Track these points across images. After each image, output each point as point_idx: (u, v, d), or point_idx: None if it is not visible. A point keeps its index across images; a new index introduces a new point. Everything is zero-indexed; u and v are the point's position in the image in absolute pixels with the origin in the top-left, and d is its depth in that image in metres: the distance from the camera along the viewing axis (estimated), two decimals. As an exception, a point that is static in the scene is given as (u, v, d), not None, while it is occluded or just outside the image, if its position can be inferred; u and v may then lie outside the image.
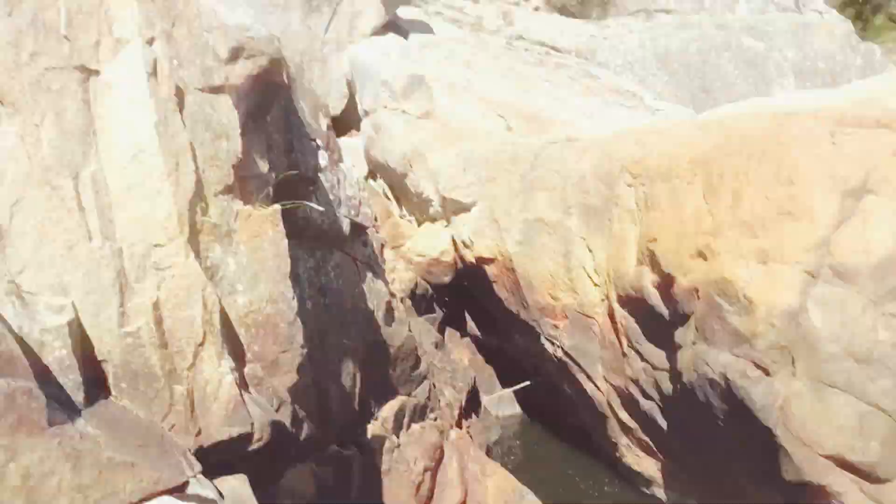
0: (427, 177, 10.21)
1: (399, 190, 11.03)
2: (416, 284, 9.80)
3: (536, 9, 16.72)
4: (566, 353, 8.75)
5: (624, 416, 8.36)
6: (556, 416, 9.91)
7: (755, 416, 6.21)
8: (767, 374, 6.21)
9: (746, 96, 13.27)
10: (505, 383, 10.52)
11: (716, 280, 6.54)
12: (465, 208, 9.85)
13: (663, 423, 7.77)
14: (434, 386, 7.91)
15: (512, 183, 9.36)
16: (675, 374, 7.18)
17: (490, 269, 9.53)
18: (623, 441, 8.63)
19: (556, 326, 8.84)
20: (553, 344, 8.94)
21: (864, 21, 32.31)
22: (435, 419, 7.60)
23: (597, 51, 14.93)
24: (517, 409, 10.53)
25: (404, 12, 14.03)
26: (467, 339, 10.77)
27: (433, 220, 10.44)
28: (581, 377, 8.70)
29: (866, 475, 5.93)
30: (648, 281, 7.39)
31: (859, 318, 5.94)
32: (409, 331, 7.45)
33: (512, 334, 9.97)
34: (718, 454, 7.11)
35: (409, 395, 7.30)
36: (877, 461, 5.87)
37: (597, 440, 9.19)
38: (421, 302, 9.80)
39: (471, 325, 10.95)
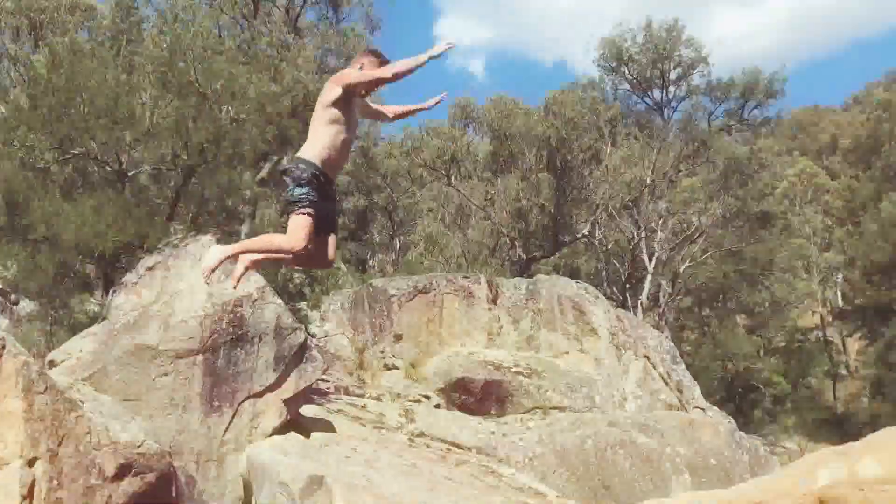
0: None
1: None
2: None
3: (437, 406, 17.17)
4: None
5: None
6: None
7: None
8: None
9: (647, 493, 13.41)
10: None
11: None
12: None
13: None
14: None
15: None
16: None
17: None
18: None
19: None
20: None
21: (745, 415, 34.50)
22: None
23: (497, 448, 15.11)
24: None
25: (306, 410, 14.12)
26: None
27: None
28: None
29: None
30: None
31: None
32: None
33: None
34: None
35: None
36: None
37: None
38: None
39: None
